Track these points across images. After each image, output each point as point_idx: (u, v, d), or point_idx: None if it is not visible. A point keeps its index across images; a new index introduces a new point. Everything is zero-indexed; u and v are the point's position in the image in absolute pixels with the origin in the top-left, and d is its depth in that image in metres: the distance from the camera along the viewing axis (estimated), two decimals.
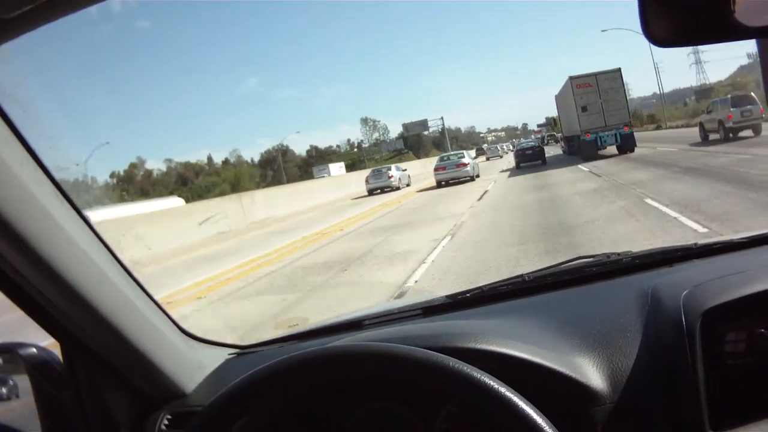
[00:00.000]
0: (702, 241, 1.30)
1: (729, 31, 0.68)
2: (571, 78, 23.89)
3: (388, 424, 1.04)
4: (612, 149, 23.48)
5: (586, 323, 1.05)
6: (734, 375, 0.90)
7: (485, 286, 1.32)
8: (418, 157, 72.53)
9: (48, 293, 0.94)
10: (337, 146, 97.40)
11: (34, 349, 1.10)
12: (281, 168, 78.93)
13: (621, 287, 1.18)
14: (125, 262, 1.07)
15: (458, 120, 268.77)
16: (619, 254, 1.32)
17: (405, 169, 30.55)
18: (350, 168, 76.66)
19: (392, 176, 27.85)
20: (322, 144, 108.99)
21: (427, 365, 0.82)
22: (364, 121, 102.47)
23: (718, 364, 0.90)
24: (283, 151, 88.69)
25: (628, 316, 1.04)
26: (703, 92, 53.04)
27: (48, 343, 1.10)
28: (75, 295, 0.94)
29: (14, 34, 0.76)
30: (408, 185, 28.43)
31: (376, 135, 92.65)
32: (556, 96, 32.68)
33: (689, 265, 1.22)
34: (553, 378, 0.93)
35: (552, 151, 43.60)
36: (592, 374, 0.94)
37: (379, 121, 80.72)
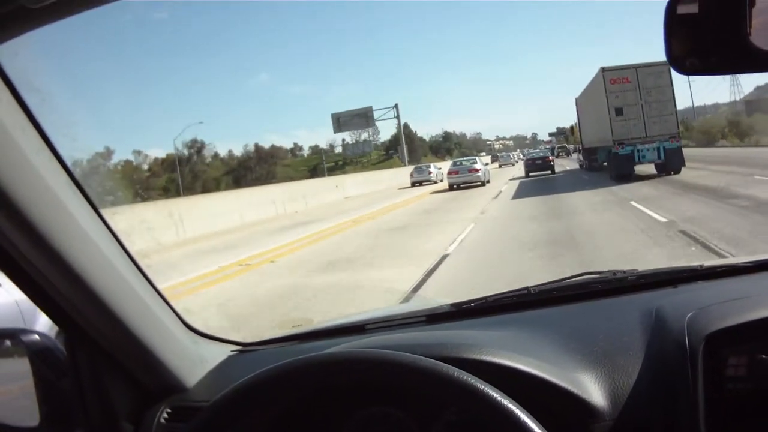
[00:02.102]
0: (707, 263, 1.29)
1: (744, 55, 0.69)
2: (603, 70, 18.04)
3: (385, 430, 1.02)
4: (643, 168, 17.62)
5: (589, 339, 1.05)
6: (734, 399, 0.90)
7: (489, 296, 1.31)
8: (405, 163, 64.45)
9: (54, 281, 0.93)
10: (330, 145, 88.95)
11: (37, 336, 1.09)
12: (194, 173, 63.86)
13: (625, 305, 1.17)
14: (134, 253, 1.07)
15: (464, 125, 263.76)
16: (624, 272, 1.31)
17: (440, 168, 35.36)
18: (312, 174, 67.69)
19: (431, 172, 34.15)
20: (325, 142, 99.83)
21: (432, 375, 0.83)
22: None
23: (719, 388, 0.90)
24: (198, 149, 71.27)
25: (632, 335, 1.03)
26: (755, 104, 45.55)
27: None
28: (81, 285, 0.94)
29: (38, 24, 0.77)
30: (442, 180, 31.44)
31: (365, 135, 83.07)
32: (577, 98, 26.79)
33: (694, 287, 1.21)
34: (554, 392, 0.93)
35: (565, 164, 37.61)
36: (594, 391, 0.94)
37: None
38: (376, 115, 61.25)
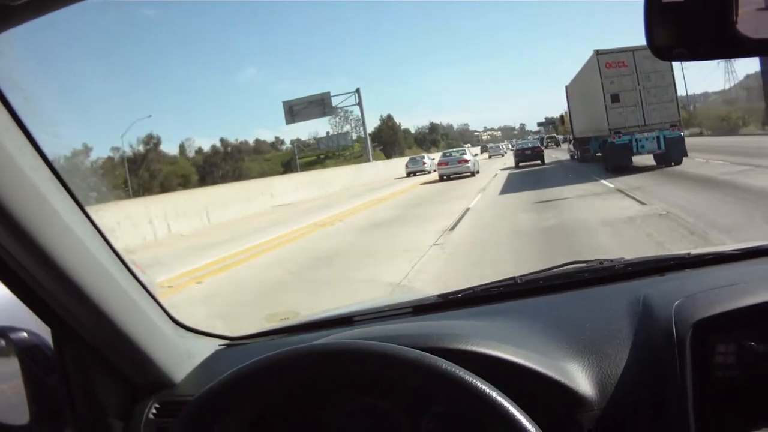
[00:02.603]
0: (695, 251, 1.29)
1: (730, 43, 0.69)
2: (597, 53, 16.58)
3: (375, 422, 1.01)
4: (642, 159, 16.38)
5: (576, 328, 1.04)
6: (723, 386, 0.90)
7: (477, 286, 1.30)
8: (389, 156, 58.73)
9: (40, 278, 0.93)
10: (314, 139, 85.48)
11: (25, 333, 1.08)
12: (150, 172, 55.00)
13: (612, 294, 1.17)
14: (120, 250, 1.04)
15: (451, 117, 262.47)
16: (612, 261, 1.31)
17: (433, 158, 35.17)
18: (286, 168, 61.12)
19: (425, 163, 34.85)
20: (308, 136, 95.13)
21: (418, 366, 0.82)
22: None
23: (707, 375, 0.89)
24: (155, 144, 59.37)
25: (619, 323, 1.03)
26: (757, 91, 42.57)
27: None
28: (68, 282, 0.93)
29: (19, 21, 0.76)
30: (436, 170, 30.00)
31: (347, 127, 78.86)
32: (567, 85, 25.42)
33: (682, 275, 1.20)
34: (541, 382, 0.92)
35: (555, 155, 36.34)
36: (581, 380, 0.94)
37: (351, 112, 66.07)
38: (335, 101, 50.03)
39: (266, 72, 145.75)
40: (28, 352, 1.06)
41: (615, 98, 16.09)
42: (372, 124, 73.00)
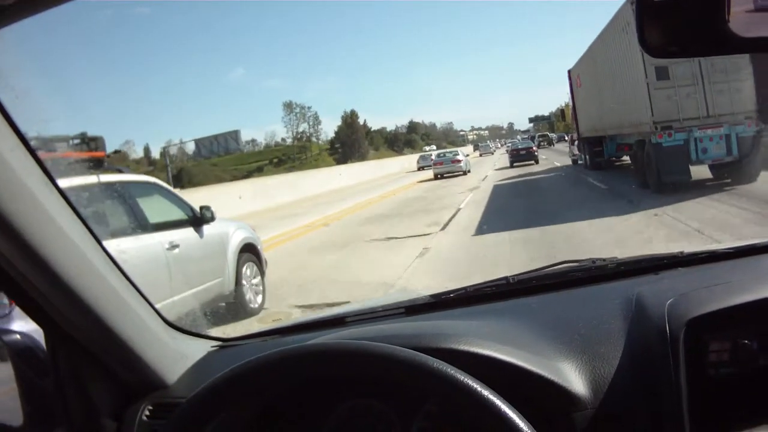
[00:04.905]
0: (688, 250, 1.29)
1: (723, 41, 0.71)
2: (633, 2, 10.49)
3: (367, 422, 1.02)
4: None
5: (569, 328, 1.04)
6: (717, 384, 0.90)
7: (469, 286, 1.31)
8: (345, 160, 50.55)
9: (33, 279, 0.93)
10: (282, 139, 77.29)
11: (18, 336, 1.09)
12: None
13: (605, 293, 1.17)
14: (112, 251, 1.05)
15: (435, 116, 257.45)
16: (604, 260, 1.31)
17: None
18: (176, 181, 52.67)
19: (433, 159, 34.60)
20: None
21: (410, 365, 0.82)
22: (288, 106, 74.77)
23: (701, 373, 0.90)
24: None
25: (612, 323, 1.03)
26: None
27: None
28: (60, 283, 0.93)
29: (12, 20, 0.76)
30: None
31: (303, 126, 70.64)
32: (571, 69, 19.31)
33: (674, 274, 1.21)
34: (534, 381, 0.93)
35: (550, 156, 30.41)
36: (574, 379, 0.94)
37: (309, 108, 58.28)
38: None
39: (254, 72, 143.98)
40: (21, 354, 1.07)
41: (662, 73, 10.06)
42: (335, 122, 64.89)
